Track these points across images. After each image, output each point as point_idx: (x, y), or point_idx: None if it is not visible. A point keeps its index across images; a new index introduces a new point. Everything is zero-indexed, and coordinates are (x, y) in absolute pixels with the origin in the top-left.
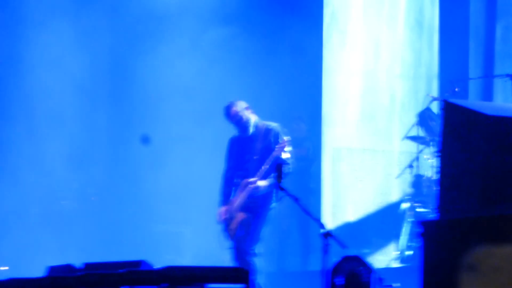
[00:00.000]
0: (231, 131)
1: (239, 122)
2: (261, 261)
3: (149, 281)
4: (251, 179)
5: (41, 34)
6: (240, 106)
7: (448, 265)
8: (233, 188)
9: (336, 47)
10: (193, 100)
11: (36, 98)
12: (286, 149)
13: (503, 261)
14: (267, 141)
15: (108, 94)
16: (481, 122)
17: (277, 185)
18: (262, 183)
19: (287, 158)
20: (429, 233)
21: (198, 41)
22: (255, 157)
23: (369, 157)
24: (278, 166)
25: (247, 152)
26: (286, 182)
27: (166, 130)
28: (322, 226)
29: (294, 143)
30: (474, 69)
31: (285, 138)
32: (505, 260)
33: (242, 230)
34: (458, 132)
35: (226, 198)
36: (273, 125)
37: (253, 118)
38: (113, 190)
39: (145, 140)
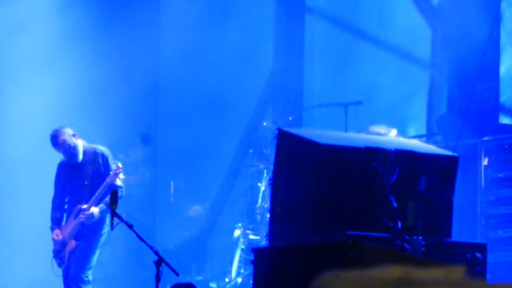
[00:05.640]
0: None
1: (68, 150)
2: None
3: None
4: (84, 206)
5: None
6: (67, 134)
7: None
8: (64, 213)
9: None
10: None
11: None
12: (120, 176)
13: (351, 285)
14: (96, 165)
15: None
16: (313, 150)
17: (111, 212)
18: (95, 209)
19: (120, 186)
20: (259, 260)
21: None
22: (86, 183)
23: None
24: (113, 192)
25: (77, 178)
26: (121, 207)
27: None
28: (155, 253)
29: (130, 169)
30: None
31: (119, 164)
32: (353, 284)
33: (74, 256)
34: (291, 160)
35: (57, 223)
36: (101, 148)
37: (81, 144)
38: None
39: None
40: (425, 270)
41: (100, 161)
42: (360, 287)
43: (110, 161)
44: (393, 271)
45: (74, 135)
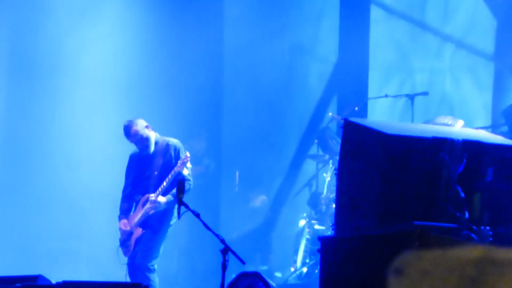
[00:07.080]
0: (131, 146)
1: (140, 141)
2: (159, 277)
3: None
4: (152, 195)
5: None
6: (140, 125)
7: (345, 281)
8: (133, 204)
9: None
10: None
11: None
12: (187, 165)
13: (431, 265)
14: (167, 157)
15: None
16: (380, 140)
17: (178, 201)
18: (162, 199)
19: (188, 174)
20: (326, 249)
21: None
22: (155, 173)
23: None
24: (180, 181)
25: (147, 169)
26: (187, 198)
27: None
28: (222, 241)
29: (194, 160)
30: None
31: (187, 153)
32: (433, 264)
33: (140, 245)
34: (356, 150)
35: (125, 213)
36: (174, 141)
37: (153, 136)
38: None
39: None
40: (506, 250)
41: (172, 153)
42: (440, 267)
43: (182, 153)
44: (474, 251)
45: (147, 127)
